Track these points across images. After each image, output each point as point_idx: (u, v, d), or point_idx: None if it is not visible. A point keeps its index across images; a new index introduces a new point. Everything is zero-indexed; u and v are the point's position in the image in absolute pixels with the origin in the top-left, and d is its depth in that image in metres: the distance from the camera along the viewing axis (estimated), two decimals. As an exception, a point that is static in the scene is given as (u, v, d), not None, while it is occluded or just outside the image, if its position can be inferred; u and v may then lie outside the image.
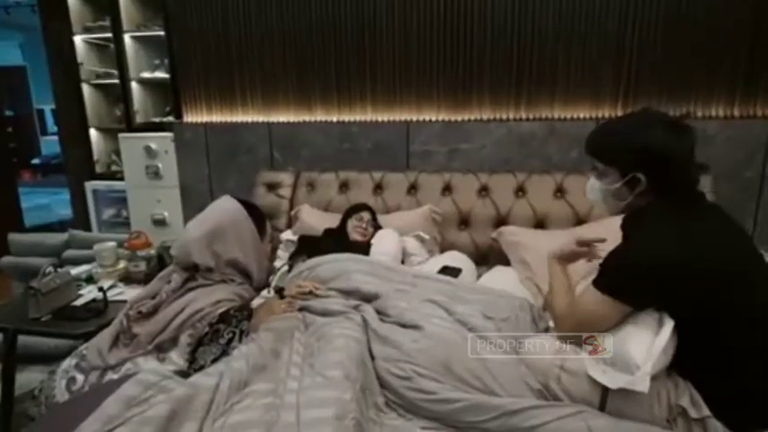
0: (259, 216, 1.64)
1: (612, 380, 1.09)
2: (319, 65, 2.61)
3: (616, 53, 2.28)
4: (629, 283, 1.12)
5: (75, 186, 3.81)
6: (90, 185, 3.71)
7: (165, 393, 1.08)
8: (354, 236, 2.06)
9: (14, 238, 2.72)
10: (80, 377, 1.35)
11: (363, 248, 1.96)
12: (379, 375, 1.25)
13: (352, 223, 2.10)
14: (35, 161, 8.36)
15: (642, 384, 1.03)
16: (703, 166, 1.18)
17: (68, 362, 1.41)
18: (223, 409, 1.07)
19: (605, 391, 1.10)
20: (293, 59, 2.64)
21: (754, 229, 2.24)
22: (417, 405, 1.17)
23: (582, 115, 2.36)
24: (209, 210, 1.60)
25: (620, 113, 2.32)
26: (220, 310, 1.37)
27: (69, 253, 2.52)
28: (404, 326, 1.36)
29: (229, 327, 1.33)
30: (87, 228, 3.70)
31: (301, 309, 1.47)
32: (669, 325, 1.09)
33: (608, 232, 1.87)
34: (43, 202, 6.57)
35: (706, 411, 1.06)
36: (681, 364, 1.12)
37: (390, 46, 2.49)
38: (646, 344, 1.08)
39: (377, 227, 2.14)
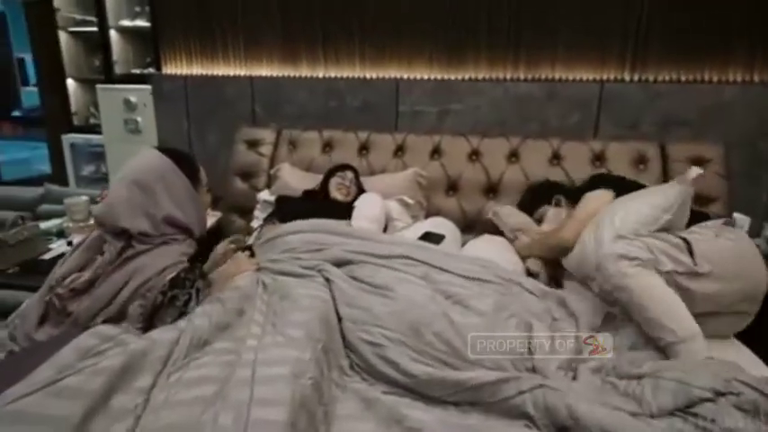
0: (190, 166, 1.56)
1: None
2: (305, 17, 2.62)
3: (624, 8, 2.26)
4: None
5: (54, 140, 3.89)
6: (67, 139, 3.78)
7: (121, 346, 1.13)
8: (336, 194, 2.14)
9: (-14, 191, 2.78)
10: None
11: (345, 209, 2.02)
12: (347, 338, 1.32)
13: (335, 181, 2.17)
14: (16, 113, 8.43)
15: None
16: None
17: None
18: (180, 363, 1.12)
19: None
20: (277, 8, 2.65)
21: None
22: (381, 372, 1.24)
23: (585, 77, 2.38)
24: (132, 164, 1.51)
25: (627, 76, 2.33)
26: (169, 277, 1.37)
27: (44, 208, 2.60)
28: (375, 287, 1.44)
29: (184, 290, 1.36)
30: (66, 184, 3.74)
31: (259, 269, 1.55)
32: None
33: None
34: (23, 156, 6.70)
35: None
36: None
37: (381, -4, 2.48)
38: None
39: (360, 188, 2.21)
